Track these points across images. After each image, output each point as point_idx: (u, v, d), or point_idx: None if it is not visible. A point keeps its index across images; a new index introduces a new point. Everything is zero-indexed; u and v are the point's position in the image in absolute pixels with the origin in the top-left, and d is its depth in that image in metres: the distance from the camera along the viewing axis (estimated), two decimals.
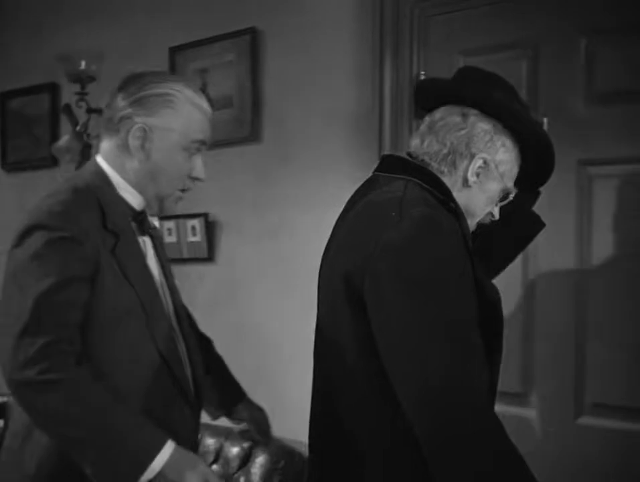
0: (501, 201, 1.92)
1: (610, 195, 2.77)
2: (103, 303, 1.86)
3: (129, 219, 1.99)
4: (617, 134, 2.75)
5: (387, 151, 3.18)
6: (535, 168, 1.93)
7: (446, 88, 1.91)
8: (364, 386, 1.72)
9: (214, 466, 3.41)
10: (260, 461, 3.29)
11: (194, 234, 3.88)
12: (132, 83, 1.99)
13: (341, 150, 3.41)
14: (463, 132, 1.82)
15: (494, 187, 1.87)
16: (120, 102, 1.97)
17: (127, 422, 1.76)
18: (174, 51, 4.01)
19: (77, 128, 4.04)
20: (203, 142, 2.01)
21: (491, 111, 1.83)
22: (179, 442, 1.83)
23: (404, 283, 1.60)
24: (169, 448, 1.77)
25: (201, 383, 2.11)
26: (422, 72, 3.20)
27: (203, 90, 3.82)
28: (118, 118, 1.96)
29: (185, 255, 3.92)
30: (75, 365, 1.76)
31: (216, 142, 3.80)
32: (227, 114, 3.80)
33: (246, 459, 3.38)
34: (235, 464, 3.38)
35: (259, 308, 3.63)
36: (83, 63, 3.95)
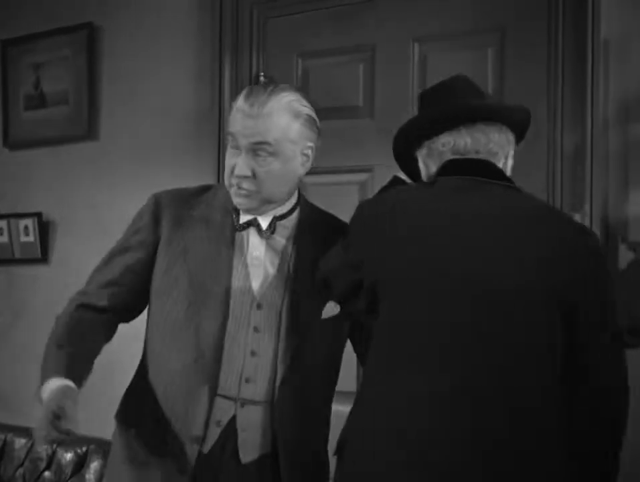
0: None
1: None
2: (157, 274, 2.08)
3: (228, 210, 2.10)
4: None
5: (223, 148, 3.21)
6: None
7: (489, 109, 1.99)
8: (556, 399, 1.79)
9: (46, 473, 3.33)
10: (95, 466, 3.23)
11: (27, 234, 3.75)
12: None
13: (180, 149, 3.40)
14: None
15: None
16: None
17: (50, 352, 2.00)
18: (7, 44, 3.88)
19: None
20: (232, 135, 2.02)
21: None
22: (185, 420, 2.00)
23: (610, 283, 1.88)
24: (52, 383, 1.89)
25: (250, 379, 2.05)
26: (261, 73, 3.24)
27: (36, 86, 3.72)
28: None
29: (18, 256, 3.79)
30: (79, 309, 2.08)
31: (50, 139, 3.72)
32: (63, 110, 3.70)
33: (80, 465, 3.30)
34: (68, 470, 3.30)
35: None
36: None
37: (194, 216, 2.09)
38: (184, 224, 2.07)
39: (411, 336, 1.81)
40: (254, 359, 2.02)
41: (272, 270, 2.07)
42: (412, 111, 2.97)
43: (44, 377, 1.93)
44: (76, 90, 3.68)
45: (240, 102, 2.01)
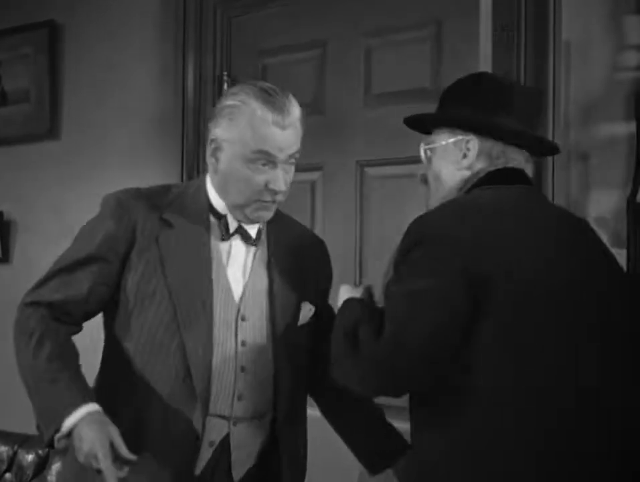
0: None
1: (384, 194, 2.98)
2: (129, 284, 1.93)
3: (205, 218, 2.00)
4: (393, 135, 2.87)
5: (187, 148, 3.21)
6: None
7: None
8: None
9: (7, 475, 3.29)
10: (56, 467, 3.20)
11: None
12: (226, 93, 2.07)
13: (143, 148, 3.38)
14: None
15: None
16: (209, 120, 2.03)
17: (57, 378, 1.84)
18: None
19: None
20: (267, 153, 1.89)
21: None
22: (177, 443, 1.88)
23: None
24: (79, 413, 1.77)
25: (242, 395, 1.97)
26: (225, 72, 3.23)
27: None
28: (208, 130, 2.02)
29: None
30: (56, 329, 1.92)
31: (11, 138, 3.68)
32: (24, 109, 3.67)
33: (41, 466, 3.27)
34: (30, 471, 3.27)
35: None
36: None
37: (166, 221, 1.96)
38: (155, 230, 1.94)
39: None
40: (244, 375, 1.95)
41: (254, 279, 2.02)
42: (362, 107, 2.99)
43: (67, 407, 1.78)
44: (37, 88, 3.64)
45: (269, 114, 1.89)
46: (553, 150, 2.05)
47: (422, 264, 1.69)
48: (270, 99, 1.90)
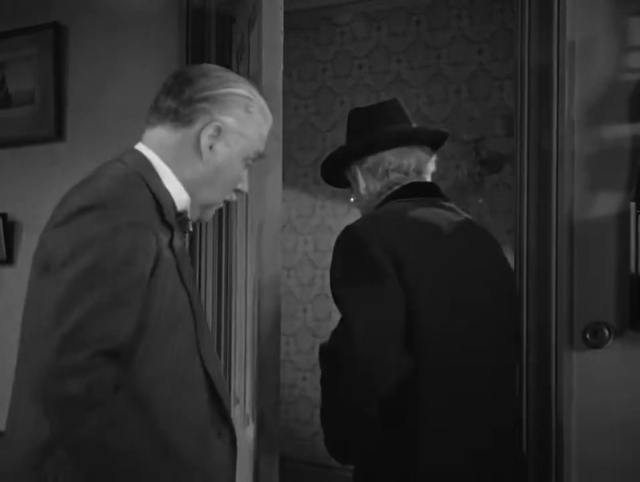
0: None
1: None
2: (157, 306, 1.61)
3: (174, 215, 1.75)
4: None
5: None
6: None
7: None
8: None
9: None
10: None
11: None
12: (201, 76, 1.78)
13: None
14: None
15: None
16: (192, 94, 1.75)
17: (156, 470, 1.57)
18: None
19: None
20: (259, 156, 1.85)
21: None
22: (217, 474, 1.69)
23: None
24: None
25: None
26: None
27: (1, 85, 3.68)
28: (192, 110, 1.74)
29: None
30: (113, 387, 1.51)
31: (15, 140, 3.68)
32: (28, 110, 3.67)
33: None
34: None
35: None
36: None
37: (162, 227, 1.68)
38: (161, 238, 1.65)
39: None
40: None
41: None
42: None
43: None
44: (42, 89, 3.64)
45: (269, 115, 1.85)
46: (440, 139, 2.28)
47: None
48: (263, 102, 1.84)
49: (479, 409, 1.99)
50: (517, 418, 2.45)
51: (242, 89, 1.79)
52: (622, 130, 2.53)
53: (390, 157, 2.18)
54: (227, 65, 3.24)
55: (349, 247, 2.01)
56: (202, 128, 1.75)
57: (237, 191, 1.85)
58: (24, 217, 3.70)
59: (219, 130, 1.75)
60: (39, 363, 1.47)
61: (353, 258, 1.99)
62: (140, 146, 1.83)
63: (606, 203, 2.56)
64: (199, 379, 1.69)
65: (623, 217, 2.51)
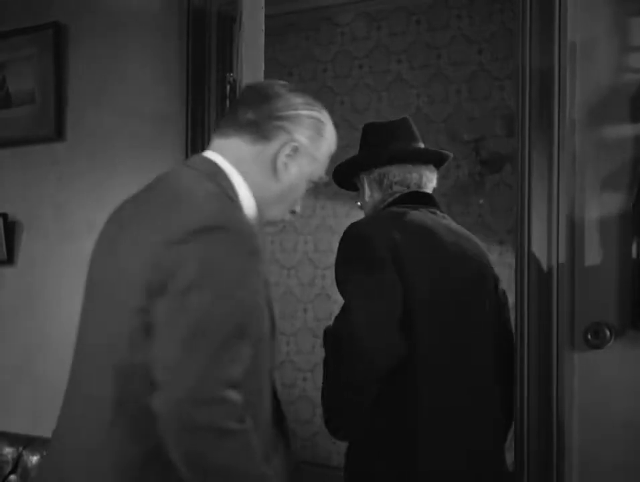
0: None
1: None
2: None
3: None
4: None
5: (191, 150, 3.22)
6: None
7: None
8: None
9: (12, 477, 3.29)
10: None
11: None
12: (283, 94, 1.78)
13: (148, 150, 3.38)
14: None
15: None
16: (273, 110, 1.75)
17: None
18: None
19: None
20: (322, 180, 1.85)
21: None
22: None
23: None
24: None
25: None
26: (230, 74, 3.22)
27: (1, 85, 3.68)
28: (272, 127, 1.74)
29: None
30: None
31: (16, 140, 3.68)
32: (28, 110, 3.67)
33: None
34: (35, 473, 3.26)
35: (61, 312, 3.52)
36: None
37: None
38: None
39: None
40: None
41: None
42: None
43: None
44: (42, 89, 3.64)
45: (334, 143, 1.85)
46: (441, 159, 2.55)
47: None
48: (333, 126, 1.84)
49: (460, 408, 2.23)
50: (496, 418, 2.47)
51: (318, 112, 1.81)
52: (623, 131, 2.53)
53: (395, 171, 2.44)
54: (228, 66, 3.24)
55: (354, 240, 2.26)
56: (281, 147, 1.75)
57: (292, 213, 1.86)
58: (24, 217, 3.70)
59: (296, 150, 1.76)
60: (175, 390, 1.47)
61: (356, 249, 2.25)
62: (217, 158, 1.78)
63: (607, 204, 2.55)
64: (269, 395, 1.70)
65: (624, 217, 2.51)
